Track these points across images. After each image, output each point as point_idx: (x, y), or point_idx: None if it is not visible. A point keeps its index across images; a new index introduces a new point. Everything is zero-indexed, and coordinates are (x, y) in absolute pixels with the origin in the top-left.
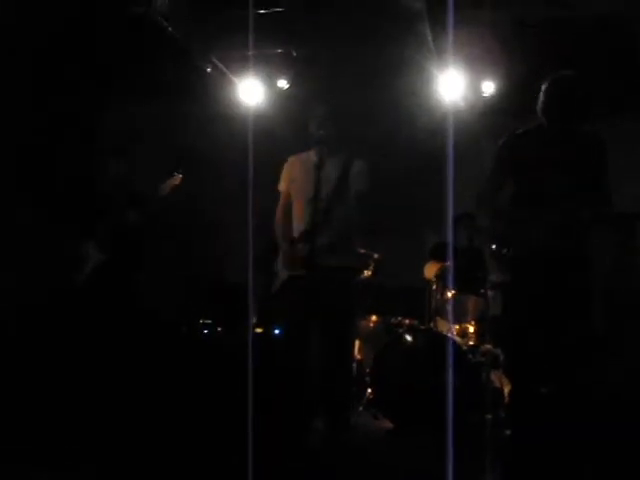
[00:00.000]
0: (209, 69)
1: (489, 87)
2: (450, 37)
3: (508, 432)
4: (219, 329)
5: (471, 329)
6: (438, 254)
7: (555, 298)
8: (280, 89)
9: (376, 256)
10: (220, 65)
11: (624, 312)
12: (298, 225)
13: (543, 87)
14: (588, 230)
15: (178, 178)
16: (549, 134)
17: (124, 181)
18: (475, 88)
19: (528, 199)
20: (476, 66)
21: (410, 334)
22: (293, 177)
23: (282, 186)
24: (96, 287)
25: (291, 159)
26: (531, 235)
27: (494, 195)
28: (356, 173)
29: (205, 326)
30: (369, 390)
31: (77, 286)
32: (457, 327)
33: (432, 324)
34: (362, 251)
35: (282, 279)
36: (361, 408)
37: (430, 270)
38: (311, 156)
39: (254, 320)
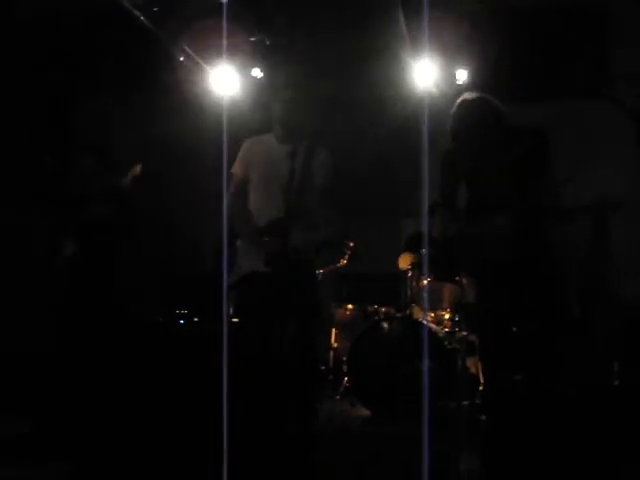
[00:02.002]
0: (181, 58)
1: (463, 75)
2: (424, 24)
3: (484, 418)
4: (195, 319)
5: (447, 316)
6: (413, 245)
7: (527, 286)
8: (254, 78)
9: (351, 244)
10: (193, 54)
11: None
12: (263, 215)
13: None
14: (546, 227)
15: (138, 168)
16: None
17: (96, 173)
18: (449, 76)
19: (479, 206)
20: (450, 53)
21: (386, 322)
22: (254, 162)
23: (237, 169)
24: (70, 280)
25: (249, 142)
26: (490, 247)
27: (450, 200)
28: (320, 163)
29: (181, 316)
30: (346, 378)
31: (51, 279)
32: (433, 314)
33: (408, 312)
34: (334, 239)
35: (244, 272)
36: (338, 396)
37: (404, 261)
38: (272, 140)
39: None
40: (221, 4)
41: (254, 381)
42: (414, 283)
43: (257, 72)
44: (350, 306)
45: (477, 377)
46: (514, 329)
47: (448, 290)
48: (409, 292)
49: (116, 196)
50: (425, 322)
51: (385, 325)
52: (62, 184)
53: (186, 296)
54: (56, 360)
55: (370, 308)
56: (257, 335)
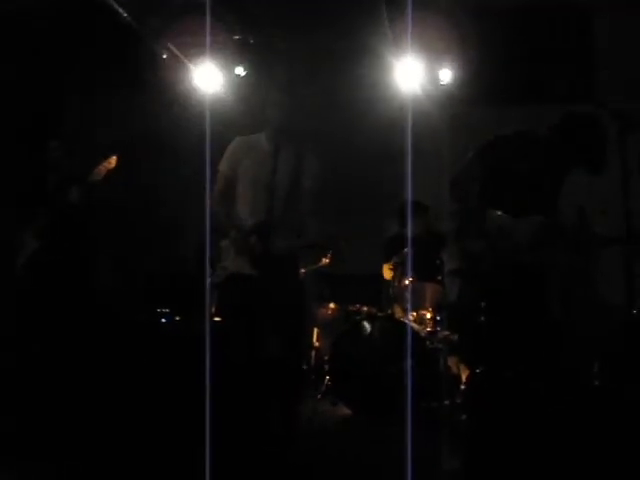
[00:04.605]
0: (165, 55)
1: (446, 75)
2: (408, 24)
3: (465, 417)
4: (177, 318)
5: (428, 316)
6: (392, 249)
7: (511, 284)
8: (237, 76)
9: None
10: (176, 51)
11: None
12: (247, 215)
13: (557, 122)
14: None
15: (113, 160)
16: (536, 146)
17: (60, 164)
18: (432, 76)
19: (497, 201)
20: (434, 54)
21: (368, 321)
22: (242, 161)
23: (224, 167)
24: (35, 277)
25: (238, 140)
26: (508, 245)
27: (469, 185)
28: (308, 166)
29: (163, 315)
30: (327, 377)
31: (14, 277)
32: (414, 314)
33: (390, 311)
34: (319, 241)
35: (228, 273)
36: (319, 395)
37: (388, 272)
38: (261, 140)
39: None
40: (204, 2)
41: (238, 382)
42: (396, 283)
43: (240, 70)
44: (332, 305)
45: (458, 376)
46: (495, 328)
47: (430, 290)
48: (391, 292)
49: (86, 188)
50: (407, 322)
51: (367, 325)
52: (29, 175)
53: (168, 295)
54: (32, 360)
55: (352, 307)
56: (241, 336)
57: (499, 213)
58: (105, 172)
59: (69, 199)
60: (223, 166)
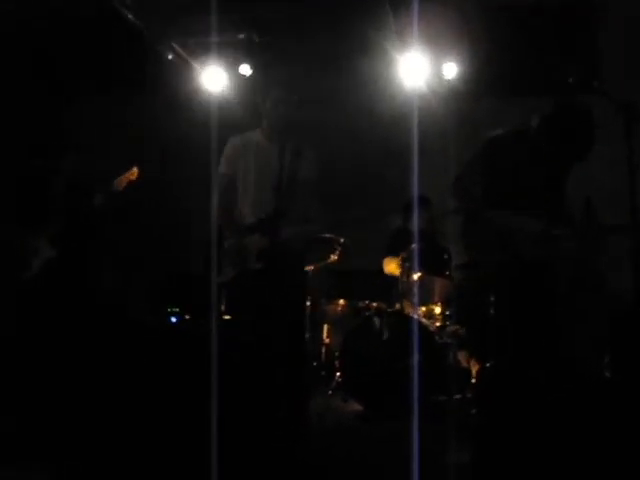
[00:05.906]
0: (170, 56)
1: (451, 70)
2: (412, 18)
3: (475, 412)
4: (187, 317)
5: (437, 310)
6: (397, 244)
7: (518, 277)
8: (243, 75)
9: (342, 240)
10: (181, 52)
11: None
12: (252, 212)
13: (547, 114)
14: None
15: (134, 172)
16: (531, 143)
17: (72, 172)
18: (437, 71)
19: (500, 201)
20: (438, 48)
21: (378, 317)
22: (240, 159)
23: (224, 169)
24: (49, 283)
25: (234, 139)
26: (509, 243)
27: (473, 183)
28: (307, 159)
29: (173, 314)
30: (338, 374)
31: (27, 283)
32: (424, 309)
33: (399, 306)
34: (327, 236)
35: (235, 271)
36: (330, 392)
37: (389, 266)
38: (258, 137)
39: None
40: (209, 2)
41: (247, 378)
42: (404, 278)
43: (245, 69)
44: (341, 302)
45: (468, 371)
46: (504, 322)
47: (439, 284)
48: (400, 287)
49: (106, 198)
50: (416, 317)
51: (376, 320)
52: (40, 182)
53: (178, 295)
54: (43, 360)
55: (361, 304)
56: (251, 332)
57: (502, 212)
58: (127, 183)
59: (88, 208)
60: (223, 168)
